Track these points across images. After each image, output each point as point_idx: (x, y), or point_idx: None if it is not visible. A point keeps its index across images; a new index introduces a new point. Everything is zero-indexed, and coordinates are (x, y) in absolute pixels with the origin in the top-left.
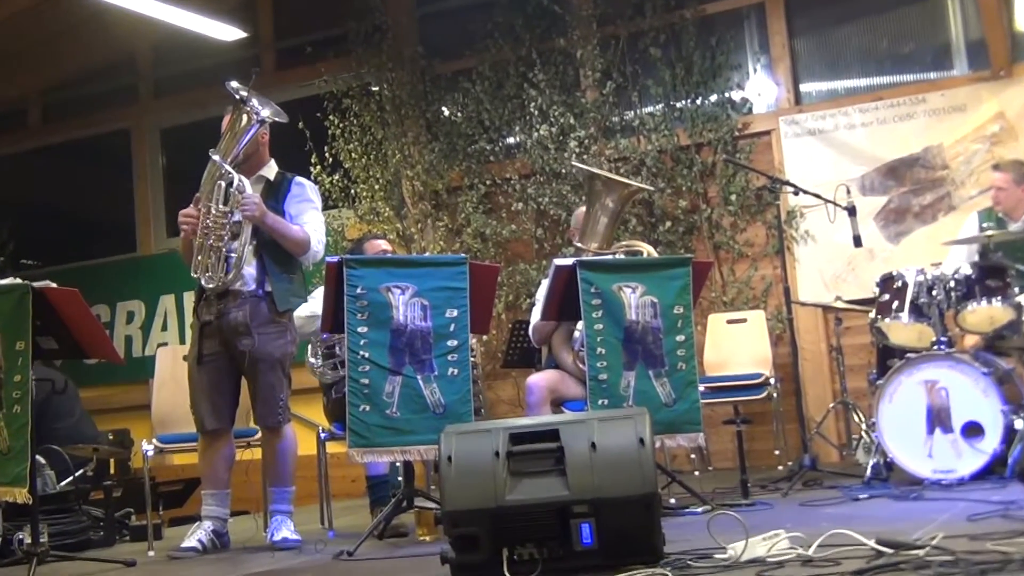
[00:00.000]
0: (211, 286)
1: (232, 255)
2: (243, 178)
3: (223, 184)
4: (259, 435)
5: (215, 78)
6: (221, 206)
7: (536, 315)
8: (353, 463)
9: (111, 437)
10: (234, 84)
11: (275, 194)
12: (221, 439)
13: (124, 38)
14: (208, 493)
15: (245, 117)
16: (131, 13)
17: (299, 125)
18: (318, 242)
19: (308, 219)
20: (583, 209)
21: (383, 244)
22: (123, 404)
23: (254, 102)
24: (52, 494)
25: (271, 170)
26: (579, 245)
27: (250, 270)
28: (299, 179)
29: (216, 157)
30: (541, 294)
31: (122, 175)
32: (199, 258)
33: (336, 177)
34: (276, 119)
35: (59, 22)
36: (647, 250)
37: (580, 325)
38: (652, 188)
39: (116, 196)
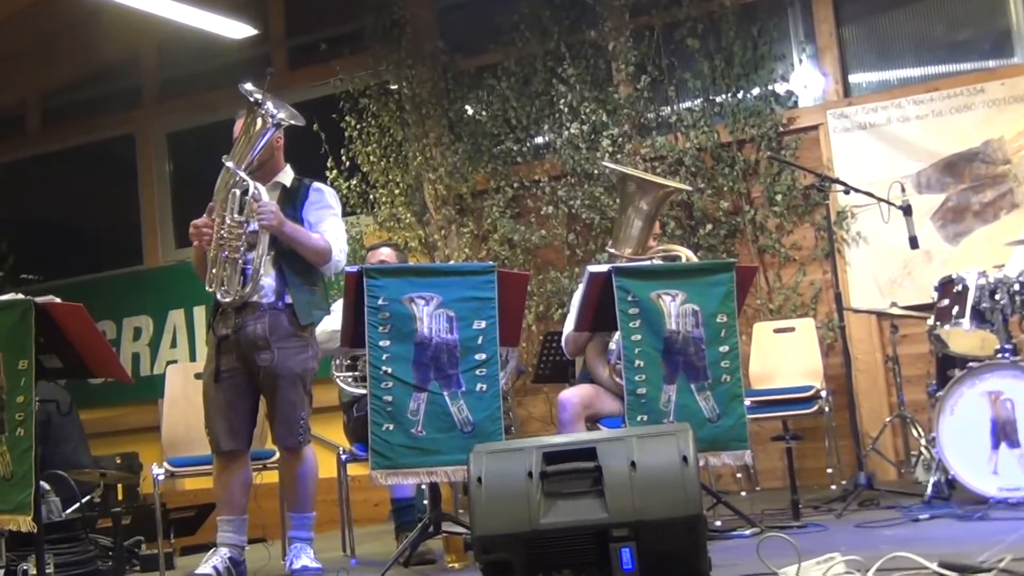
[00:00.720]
0: (228, 300)
1: (249, 267)
2: (259, 185)
3: (237, 192)
4: (276, 457)
5: (224, 79)
6: (236, 215)
7: (569, 325)
8: (376, 486)
9: (119, 461)
10: (248, 86)
11: (292, 201)
12: (238, 461)
13: (127, 37)
14: (224, 519)
15: (260, 121)
16: (134, 11)
17: (314, 127)
18: (340, 251)
19: (328, 226)
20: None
21: (382, 254)
22: (131, 426)
23: (269, 105)
24: (58, 522)
25: (287, 176)
26: (612, 251)
27: (269, 281)
28: (317, 184)
29: (230, 164)
30: (575, 303)
31: (127, 183)
32: (214, 271)
33: (354, 182)
34: (293, 122)
35: (58, 21)
36: (686, 254)
37: (616, 336)
38: (690, 188)
39: (120, 205)
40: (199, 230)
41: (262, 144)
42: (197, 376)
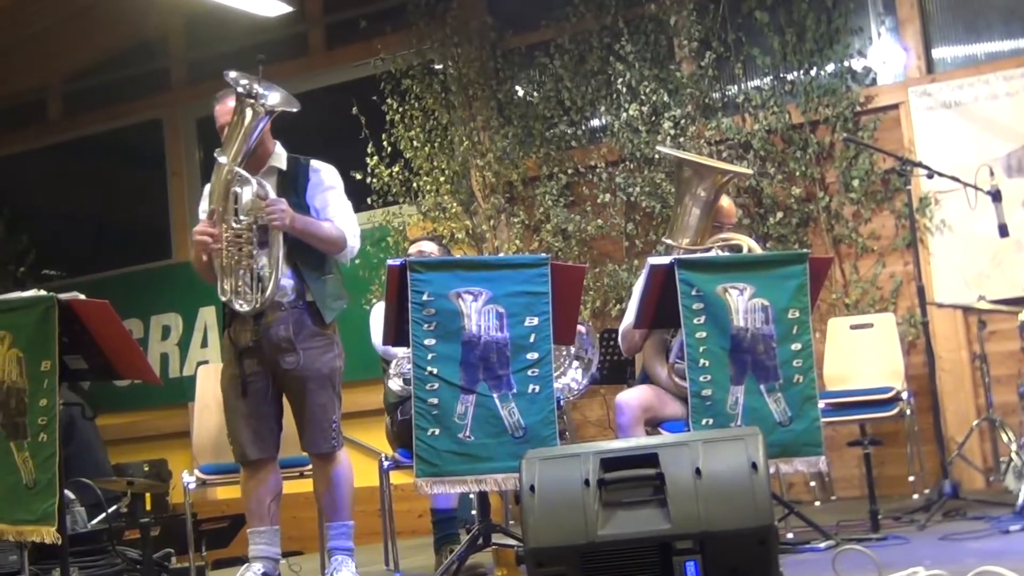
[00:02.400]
0: (247, 309)
1: (264, 270)
2: (263, 182)
3: (239, 191)
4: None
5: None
6: (243, 217)
7: (627, 319)
8: (422, 494)
9: (147, 468)
10: (233, 74)
11: (294, 186)
12: (266, 469)
13: (153, 17)
14: (255, 531)
15: (250, 112)
16: None
17: (353, 110)
18: (353, 236)
19: (336, 211)
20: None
21: (424, 247)
22: (160, 431)
23: (259, 90)
24: (83, 533)
25: (281, 158)
26: (668, 242)
27: (287, 280)
28: (315, 163)
29: (223, 160)
30: (635, 296)
31: (154, 172)
32: (229, 281)
33: (396, 169)
34: (288, 108)
35: (79, 1)
36: (748, 244)
37: (677, 333)
38: (751, 172)
39: (148, 196)
40: (206, 239)
41: (256, 136)
42: None
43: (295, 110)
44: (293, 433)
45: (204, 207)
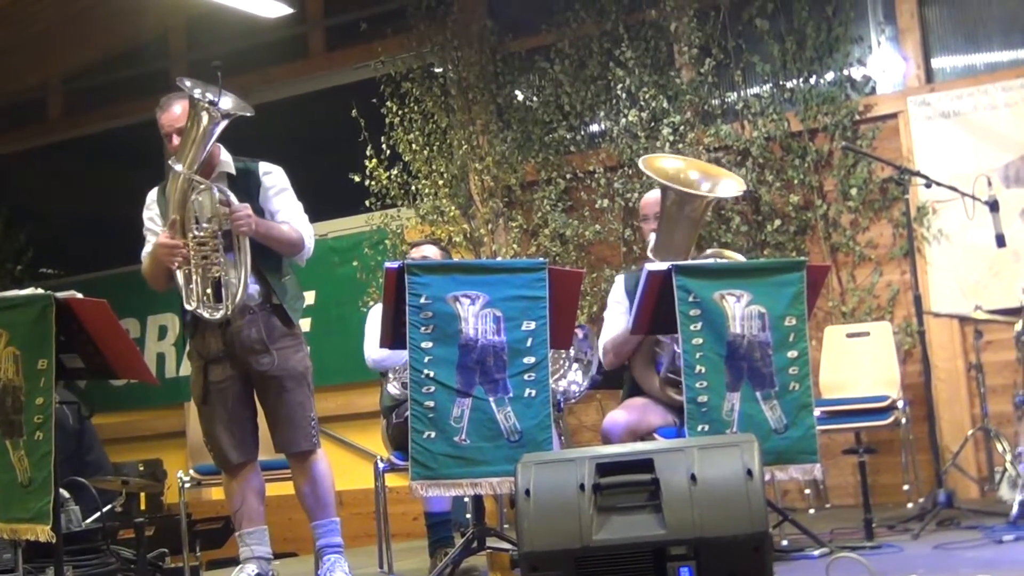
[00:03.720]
0: (217, 317)
1: (231, 277)
2: (224, 188)
3: (199, 199)
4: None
5: (258, 60)
6: (205, 225)
7: (608, 332)
8: (416, 497)
9: (141, 468)
10: (188, 81)
11: (247, 190)
12: (249, 471)
13: (154, 17)
14: (246, 532)
15: (206, 116)
16: None
17: (352, 113)
18: (309, 237)
19: (290, 214)
20: (653, 197)
21: (426, 250)
22: (155, 431)
23: (210, 97)
24: (77, 532)
25: (229, 163)
26: (652, 259)
27: (252, 285)
28: (263, 165)
29: (179, 168)
30: (616, 300)
31: (153, 172)
32: (191, 287)
33: (395, 172)
34: (242, 113)
35: (80, 1)
36: (733, 259)
37: (665, 343)
38: (738, 193)
39: (147, 195)
40: (172, 250)
41: (211, 142)
42: None
43: (249, 115)
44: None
45: (151, 215)
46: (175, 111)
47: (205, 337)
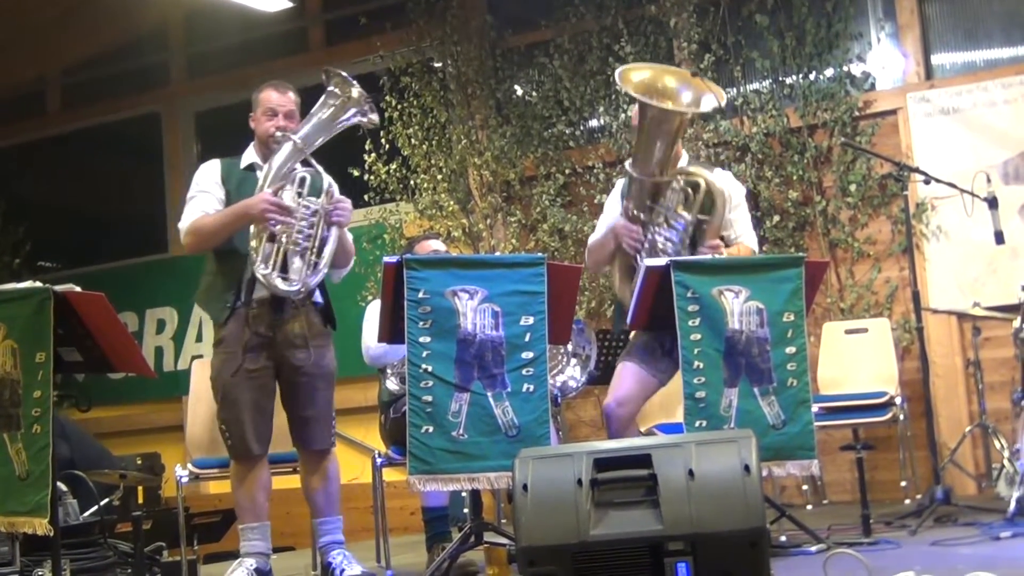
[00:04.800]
0: (291, 289)
1: (310, 260)
2: (330, 179)
3: (299, 176)
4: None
5: (257, 54)
6: (313, 200)
7: (596, 231)
8: (414, 492)
9: (139, 462)
10: (344, 73)
11: (316, 192)
12: (261, 465)
13: (153, 10)
14: (249, 527)
15: (353, 111)
16: None
17: None
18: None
19: (347, 231)
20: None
21: (434, 244)
22: (153, 424)
23: (367, 97)
24: (75, 526)
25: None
26: (631, 171)
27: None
28: (326, 176)
29: (297, 140)
30: (611, 204)
31: (152, 165)
32: (272, 256)
33: (393, 166)
34: (371, 123)
35: None
36: (705, 178)
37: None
38: (719, 104)
39: (145, 189)
40: (280, 211)
41: (333, 134)
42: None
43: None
44: (282, 428)
45: (215, 180)
46: (292, 96)
47: (248, 324)
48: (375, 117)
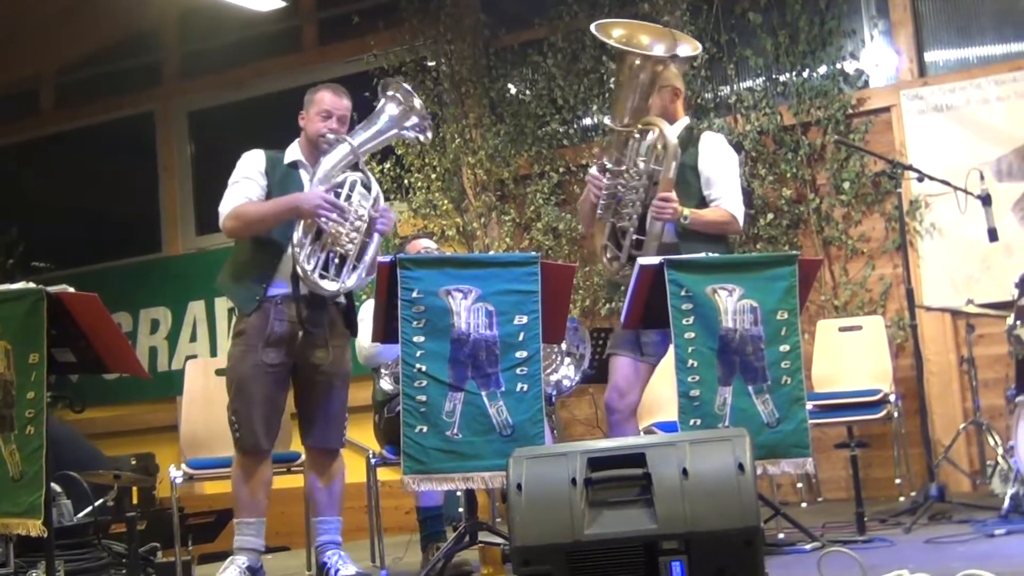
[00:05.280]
0: (333, 288)
1: (351, 263)
2: (379, 189)
3: (356, 182)
4: (302, 459)
5: (250, 53)
6: (365, 205)
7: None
8: (408, 491)
9: (134, 462)
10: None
11: (364, 200)
12: (265, 462)
13: (147, 9)
14: (246, 522)
15: (414, 121)
16: None
17: None
18: None
19: None
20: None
21: (424, 243)
22: (147, 425)
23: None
24: (69, 526)
25: None
26: (608, 123)
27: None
28: (375, 182)
29: (353, 143)
30: None
31: (145, 165)
32: (316, 253)
33: (387, 165)
34: (415, 136)
35: None
36: (659, 127)
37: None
38: (695, 53)
39: (139, 189)
40: (334, 208)
41: (385, 140)
42: (219, 372)
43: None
44: (282, 427)
45: (260, 169)
46: (346, 101)
47: (271, 317)
48: (430, 135)
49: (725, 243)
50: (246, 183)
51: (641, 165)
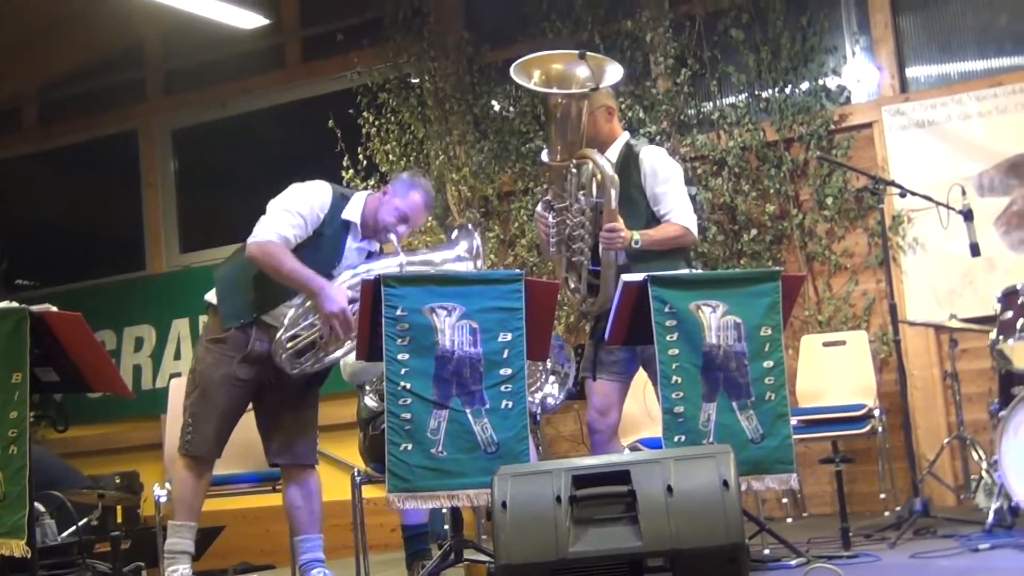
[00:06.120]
0: (293, 372)
1: (325, 360)
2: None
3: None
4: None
5: (233, 71)
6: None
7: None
8: (393, 509)
9: (118, 481)
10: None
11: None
12: (210, 470)
13: (130, 27)
14: (186, 525)
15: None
16: None
17: (329, 123)
18: None
19: None
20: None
21: None
22: (131, 443)
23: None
24: (53, 546)
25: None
26: (543, 159)
27: None
28: None
29: (403, 264)
30: None
31: (129, 182)
32: (300, 343)
33: (371, 182)
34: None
35: (56, 9)
36: (592, 160)
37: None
38: (589, 89)
39: (122, 206)
40: (345, 324)
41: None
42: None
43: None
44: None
45: (321, 211)
46: (428, 216)
47: (253, 336)
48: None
49: (683, 255)
50: (298, 219)
51: (582, 199)
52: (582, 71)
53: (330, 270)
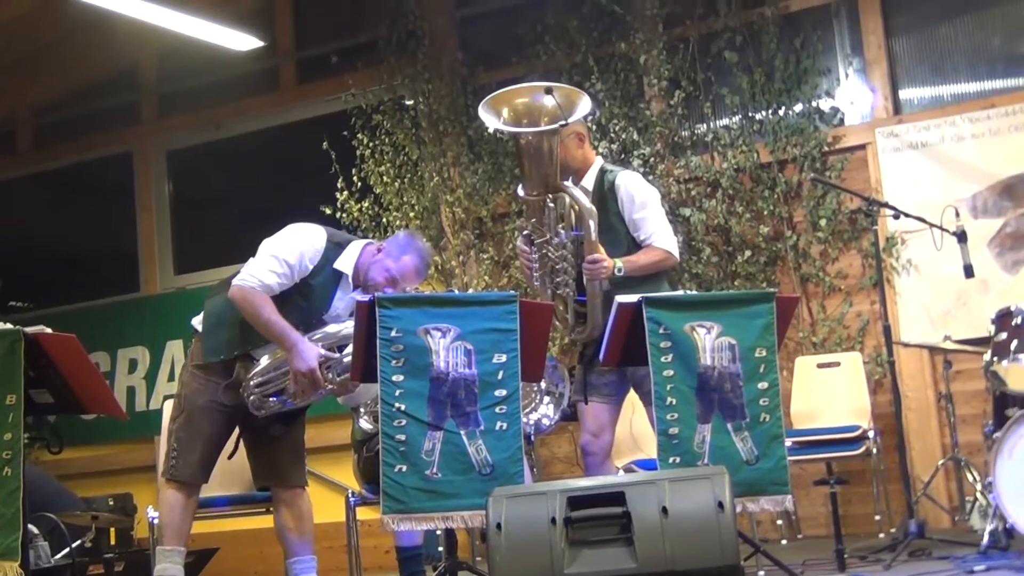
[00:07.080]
0: (258, 414)
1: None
2: None
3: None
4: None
5: (228, 93)
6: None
7: None
8: (388, 531)
9: (111, 503)
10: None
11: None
12: (196, 495)
13: (125, 49)
14: (176, 550)
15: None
16: (133, 21)
17: (323, 145)
18: None
19: None
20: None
21: None
22: (125, 465)
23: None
24: (46, 568)
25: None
26: (520, 193)
27: None
28: None
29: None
30: None
31: (123, 204)
32: (269, 389)
33: (366, 204)
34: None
35: (50, 32)
36: (569, 193)
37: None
38: (560, 124)
39: (117, 228)
40: (313, 385)
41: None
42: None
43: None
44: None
45: (311, 262)
46: (417, 284)
47: (237, 365)
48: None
49: (666, 277)
50: (284, 268)
51: (563, 233)
52: (548, 101)
53: (317, 319)
